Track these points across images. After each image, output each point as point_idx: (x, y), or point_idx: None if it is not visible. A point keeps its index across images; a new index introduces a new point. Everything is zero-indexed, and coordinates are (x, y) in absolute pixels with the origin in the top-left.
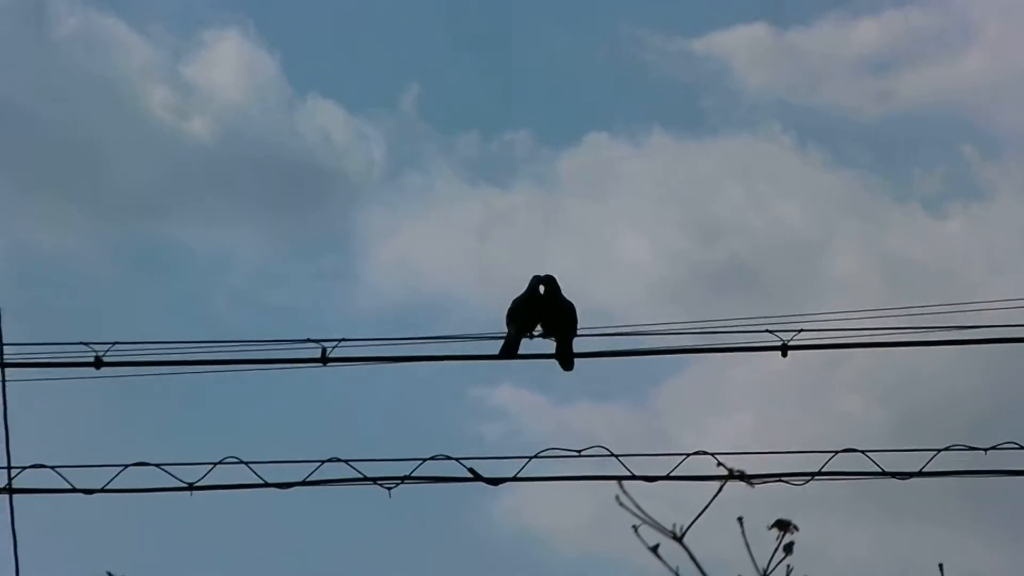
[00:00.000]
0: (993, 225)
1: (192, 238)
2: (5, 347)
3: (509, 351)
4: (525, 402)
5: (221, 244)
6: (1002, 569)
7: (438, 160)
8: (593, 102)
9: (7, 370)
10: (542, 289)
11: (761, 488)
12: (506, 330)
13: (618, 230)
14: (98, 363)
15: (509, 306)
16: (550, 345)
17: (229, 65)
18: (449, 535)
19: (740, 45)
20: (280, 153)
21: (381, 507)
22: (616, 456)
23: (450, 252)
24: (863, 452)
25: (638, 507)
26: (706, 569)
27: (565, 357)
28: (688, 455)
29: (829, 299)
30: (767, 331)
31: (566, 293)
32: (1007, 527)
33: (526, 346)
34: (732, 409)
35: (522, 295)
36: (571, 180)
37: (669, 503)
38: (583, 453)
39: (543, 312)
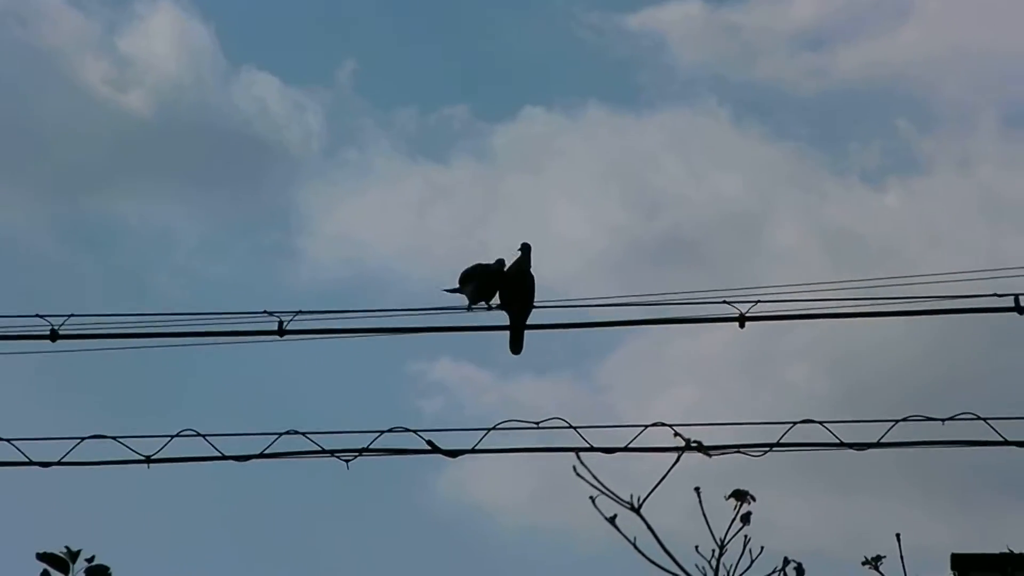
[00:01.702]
0: (931, 198)
1: (131, 213)
2: None
3: (473, 301)
4: (466, 376)
5: (161, 219)
6: (950, 540)
7: (376, 135)
8: (529, 77)
9: None
10: (507, 265)
11: (710, 460)
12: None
13: (557, 204)
14: (54, 336)
15: (468, 267)
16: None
17: (164, 37)
18: (395, 509)
19: (675, 20)
20: (218, 124)
21: (338, 480)
22: (574, 428)
23: (390, 227)
24: (820, 423)
25: (596, 478)
26: (660, 540)
27: (516, 340)
28: (646, 427)
29: (772, 271)
30: (724, 302)
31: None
32: (955, 499)
33: (474, 318)
34: (676, 382)
35: (489, 265)
36: (508, 154)
37: (619, 476)
38: (541, 425)
39: (508, 285)
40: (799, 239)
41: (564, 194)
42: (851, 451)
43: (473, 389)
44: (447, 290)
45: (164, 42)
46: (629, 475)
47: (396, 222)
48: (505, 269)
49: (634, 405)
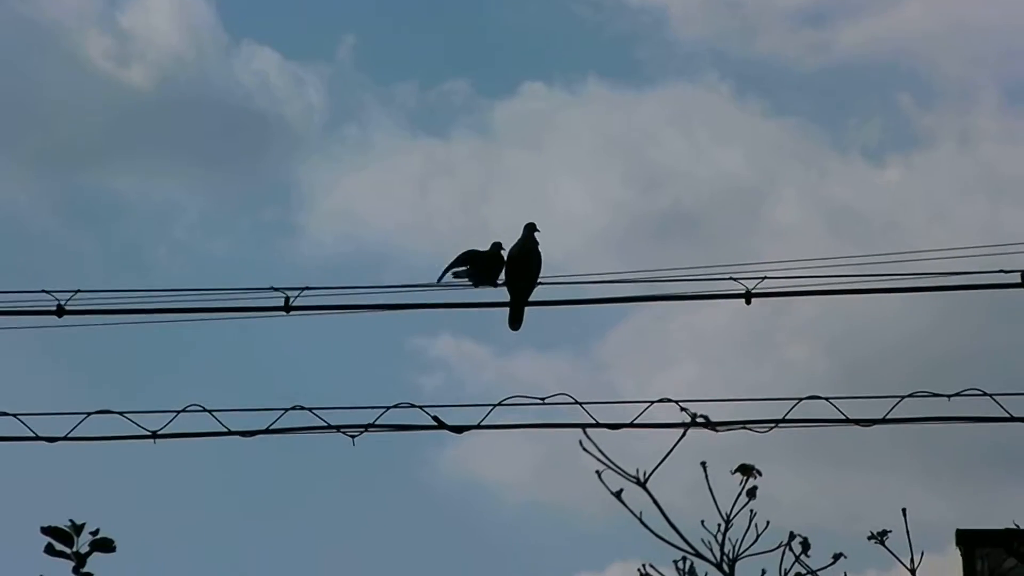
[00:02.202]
0: (932, 173)
1: (131, 188)
2: None
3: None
4: (466, 352)
5: (161, 194)
6: (955, 516)
7: (376, 111)
8: (529, 52)
9: None
10: (505, 252)
11: (711, 437)
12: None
13: (557, 180)
14: (60, 311)
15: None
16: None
17: (165, 11)
18: (397, 485)
19: None
20: (218, 99)
21: (341, 455)
22: (579, 403)
23: (391, 202)
24: (826, 399)
25: (603, 453)
26: (666, 515)
27: (516, 316)
28: (652, 403)
29: (773, 246)
30: (731, 278)
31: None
32: (960, 475)
33: (479, 295)
34: (676, 359)
35: (483, 252)
36: (508, 130)
37: (621, 453)
38: (546, 401)
39: (512, 263)
40: (800, 215)
41: (564, 170)
42: (854, 427)
43: (473, 365)
44: (455, 274)
45: (165, 17)
46: (632, 452)
47: (397, 198)
48: (507, 249)
49: (634, 382)
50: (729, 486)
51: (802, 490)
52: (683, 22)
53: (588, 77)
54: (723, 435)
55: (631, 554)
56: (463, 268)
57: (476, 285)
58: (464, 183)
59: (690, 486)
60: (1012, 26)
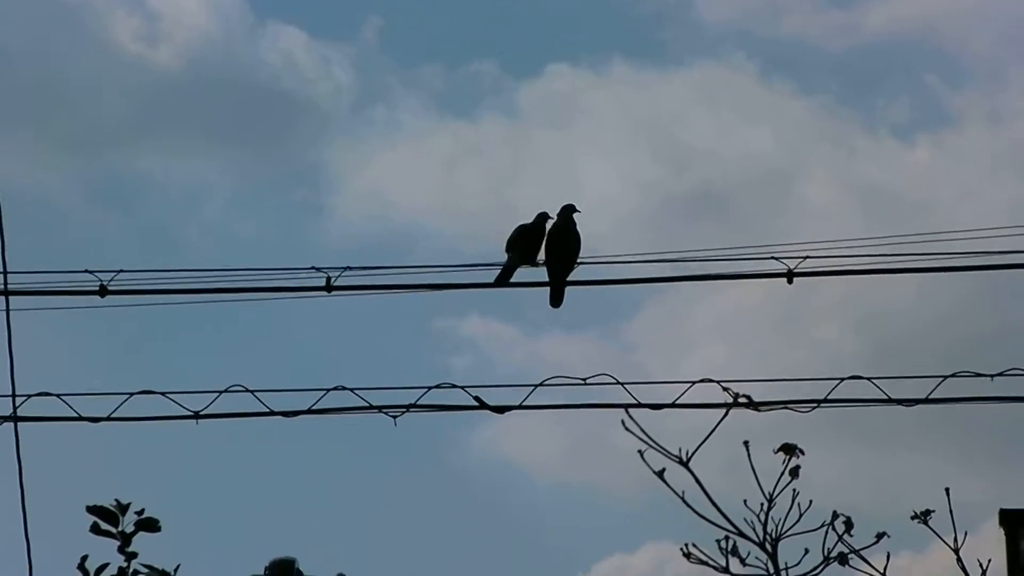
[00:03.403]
0: (962, 153)
1: (159, 169)
2: (10, 275)
3: (503, 278)
4: (494, 333)
5: (189, 175)
6: (989, 497)
7: (403, 92)
8: (554, 33)
9: (12, 298)
10: (549, 223)
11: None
12: (506, 256)
13: (585, 161)
14: (103, 291)
15: (511, 233)
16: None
17: None
18: (427, 465)
19: None
20: (246, 79)
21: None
22: (621, 383)
23: (419, 184)
24: (868, 379)
25: (645, 433)
26: (709, 494)
27: (556, 294)
28: (694, 383)
29: (804, 226)
30: (772, 258)
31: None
32: (1001, 455)
33: (519, 274)
34: (707, 339)
35: (528, 224)
36: (535, 111)
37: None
38: (588, 381)
39: (549, 241)
40: (831, 194)
41: (592, 150)
42: (894, 407)
43: (502, 345)
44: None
45: None
46: (666, 431)
47: (424, 179)
48: (547, 226)
49: (664, 363)
50: (766, 466)
51: (840, 470)
52: (709, 4)
53: (613, 58)
54: (754, 415)
55: (663, 535)
56: (511, 252)
57: (519, 264)
58: (492, 164)
59: (723, 466)
60: None
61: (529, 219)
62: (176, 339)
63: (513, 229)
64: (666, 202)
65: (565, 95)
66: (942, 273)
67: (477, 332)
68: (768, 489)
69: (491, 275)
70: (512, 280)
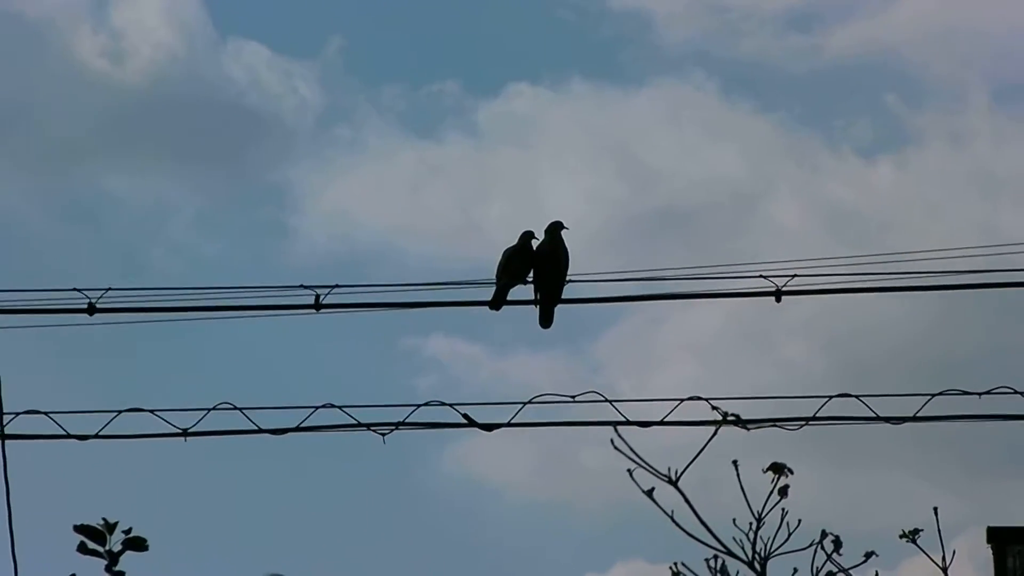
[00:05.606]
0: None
1: (122, 187)
2: None
3: (498, 301)
4: (459, 352)
5: (154, 193)
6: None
7: (367, 111)
8: (513, 54)
9: (0, 316)
10: (535, 243)
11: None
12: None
13: (548, 180)
14: (91, 309)
15: (501, 259)
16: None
17: (154, 8)
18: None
19: (660, 2)
20: (209, 96)
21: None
22: (610, 401)
23: (385, 203)
24: (857, 397)
25: (634, 452)
26: (698, 513)
27: (546, 315)
28: (682, 400)
29: (771, 245)
30: (761, 276)
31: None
32: (989, 473)
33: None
34: (671, 360)
35: (514, 246)
36: (495, 130)
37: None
38: (577, 399)
39: (539, 262)
40: (796, 212)
41: (554, 169)
42: (880, 425)
43: (468, 364)
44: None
45: (155, 13)
46: (648, 450)
47: (390, 198)
48: (535, 245)
49: (628, 382)
50: (749, 484)
51: (825, 488)
52: (667, 27)
53: (573, 77)
54: (738, 433)
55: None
56: (501, 279)
57: (511, 285)
58: (456, 183)
59: (706, 483)
60: (1001, 29)
61: (502, 239)
62: (164, 357)
63: (501, 254)
64: (630, 221)
65: (526, 115)
66: (918, 292)
67: (442, 350)
68: (755, 508)
69: (480, 293)
70: (510, 300)
